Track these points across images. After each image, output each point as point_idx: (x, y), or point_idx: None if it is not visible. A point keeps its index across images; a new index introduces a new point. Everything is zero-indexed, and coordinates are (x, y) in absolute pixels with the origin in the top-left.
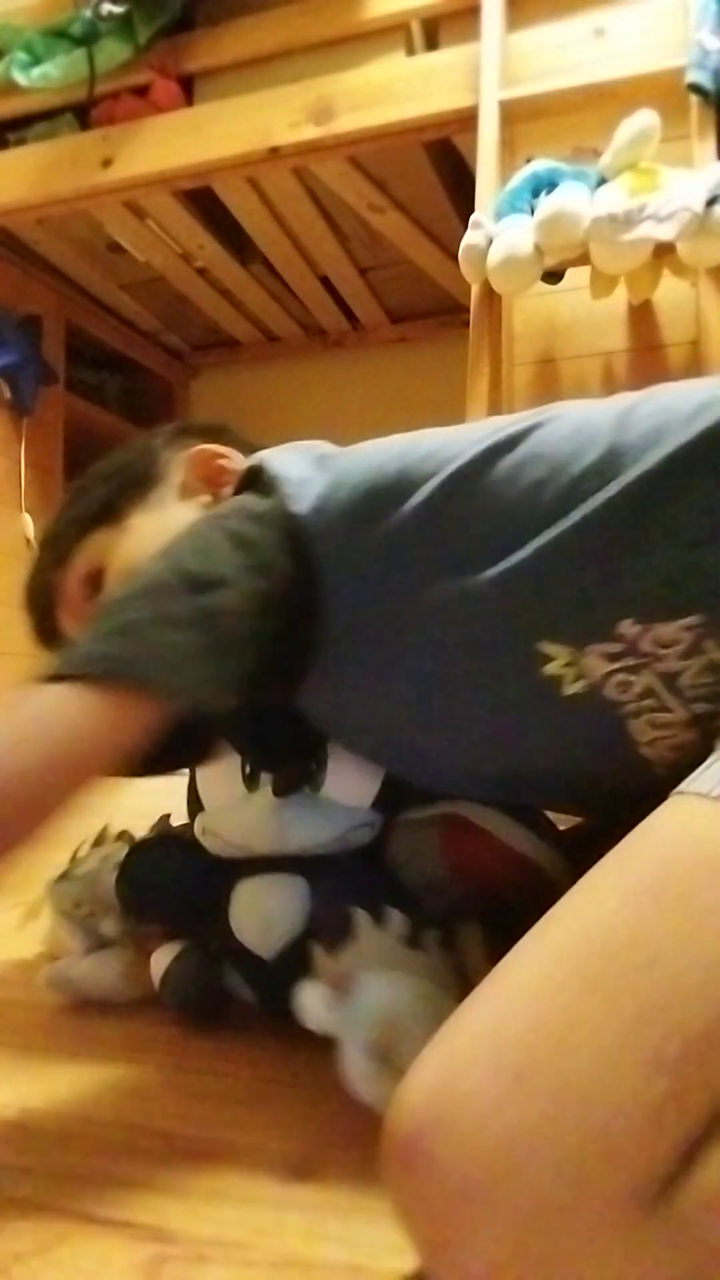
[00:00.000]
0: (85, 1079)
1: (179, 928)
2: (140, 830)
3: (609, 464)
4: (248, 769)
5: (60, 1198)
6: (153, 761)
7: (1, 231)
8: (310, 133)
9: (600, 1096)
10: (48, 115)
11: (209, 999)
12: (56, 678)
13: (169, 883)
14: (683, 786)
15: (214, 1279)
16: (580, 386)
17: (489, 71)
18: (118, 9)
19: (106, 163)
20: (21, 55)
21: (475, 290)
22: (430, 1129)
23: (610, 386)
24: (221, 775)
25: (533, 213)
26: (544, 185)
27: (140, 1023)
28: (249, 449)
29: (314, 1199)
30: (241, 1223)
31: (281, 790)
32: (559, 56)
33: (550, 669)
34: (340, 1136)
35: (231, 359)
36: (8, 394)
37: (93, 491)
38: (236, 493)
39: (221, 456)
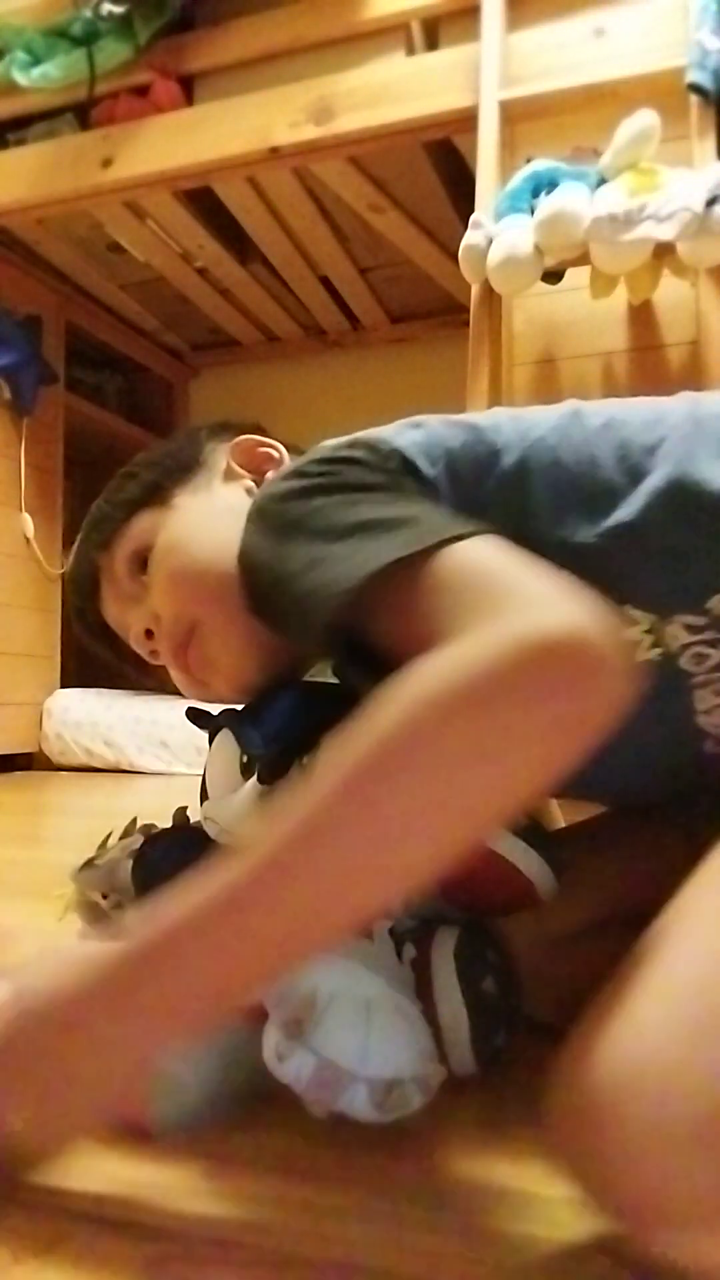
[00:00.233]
0: None
1: None
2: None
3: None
4: (244, 757)
5: (60, 1198)
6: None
7: (1, 231)
8: (310, 133)
9: None
10: (48, 115)
11: None
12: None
13: (177, 870)
14: None
15: (214, 1279)
16: (580, 386)
17: (489, 71)
18: (118, 9)
19: (106, 163)
20: (21, 55)
21: (475, 290)
22: (623, 1087)
23: (610, 386)
24: (224, 763)
25: (533, 213)
26: (544, 185)
27: None
28: (287, 447)
29: (314, 1199)
30: (241, 1223)
31: (266, 777)
32: (559, 56)
33: (627, 634)
34: (341, 1136)
35: (231, 359)
36: (8, 394)
37: (139, 476)
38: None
39: (265, 445)
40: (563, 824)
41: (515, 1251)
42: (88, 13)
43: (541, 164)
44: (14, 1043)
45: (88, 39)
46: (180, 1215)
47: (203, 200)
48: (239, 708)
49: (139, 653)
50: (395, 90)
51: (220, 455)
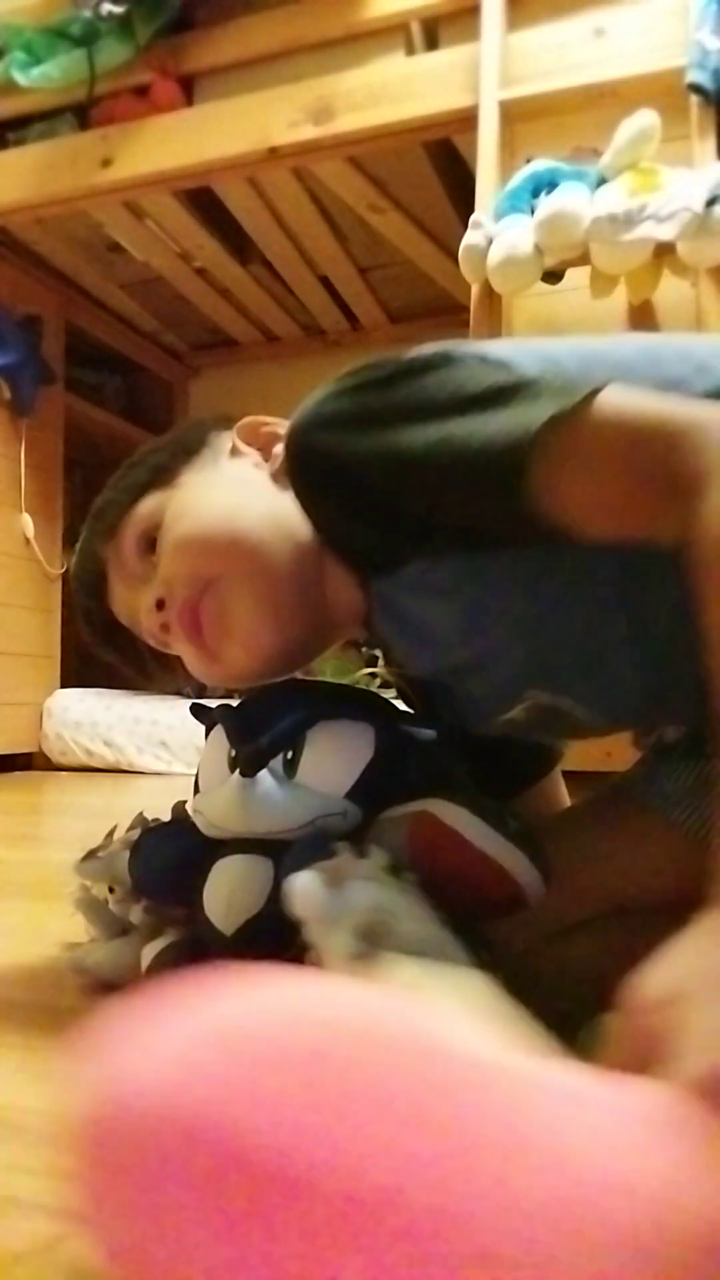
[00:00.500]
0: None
1: (180, 905)
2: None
3: None
4: (232, 752)
5: (60, 1198)
6: None
7: (1, 231)
8: (310, 133)
9: None
10: (48, 115)
11: None
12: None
13: (169, 862)
14: None
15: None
16: None
17: (489, 71)
18: (118, 9)
19: (106, 163)
20: (21, 55)
21: (475, 290)
22: None
23: None
24: (216, 757)
25: (533, 213)
26: (544, 185)
27: None
28: None
29: None
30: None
31: (246, 769)
32: (559, 56)
33: None
34: None
35: (231, 359)
36: (8, 394)
37: (144, 462)
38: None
39: (269, 423)
40: (567, 804)
41: None
42: (87, 13)
43: (541, 164)
44: None
45: (87, 39)
46: None
47: (202, 200)
48: (234, 703)
49: (148, 639)
50: (395, 90)
51: (225, 438)
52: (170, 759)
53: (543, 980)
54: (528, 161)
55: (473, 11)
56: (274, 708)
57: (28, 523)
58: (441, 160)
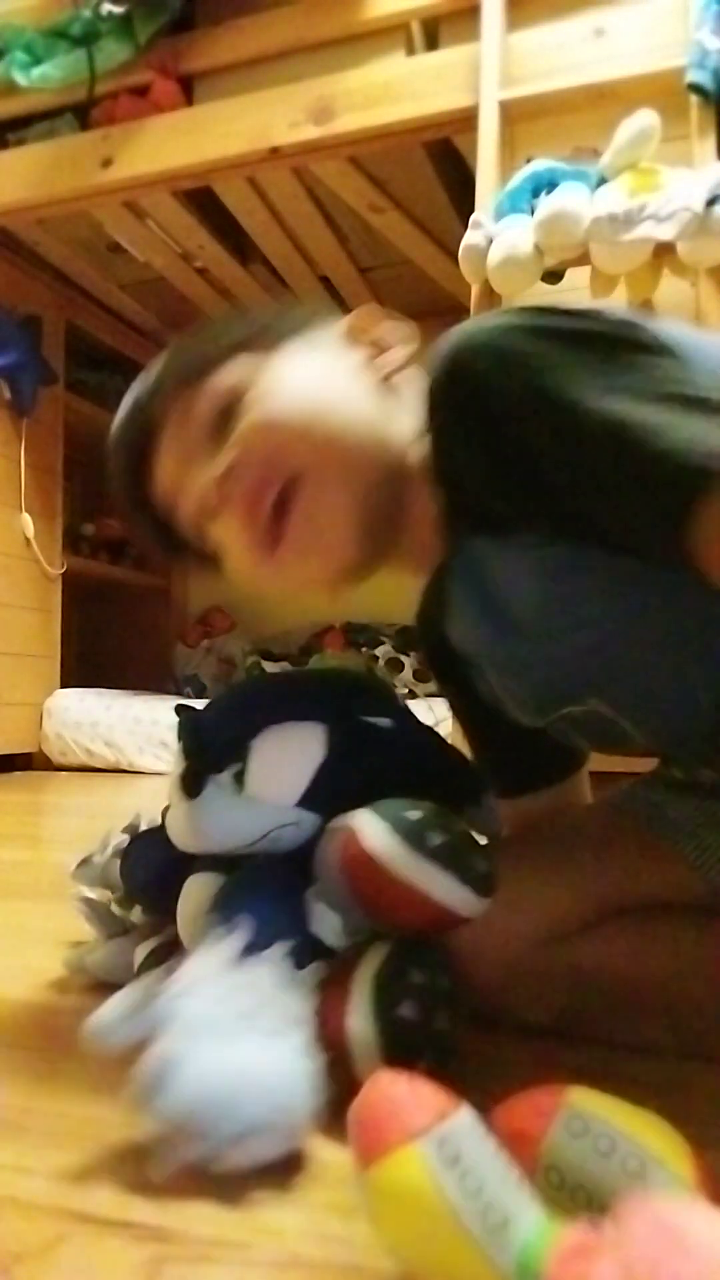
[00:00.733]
0: (85, 1079)
1: (167, 913)
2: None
3: None
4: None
5: (60, 1198)
6: None
7: (1, 231)
8: (310, 133)
9: None
10: (48, 115)
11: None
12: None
13: (152, 872)
14: None
15: (214, 1279)
16: None
17: (489, 71)
18: (118, 9)
19: (106, 163)
20: (21, 55)
21: (475, 290)
22: None
23: None
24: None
25: (533, 213)
26: (544, 185)
27: None
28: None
29: (314, 1199)
30: (241, 1223)
31: (188, 791)
32: (559, 56)
33: None
34: (341, 1136)
35: None
36: (8, 394)
37: (246, 318)
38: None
39: (393, 318)
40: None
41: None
42: (88, 13)
43: (541, 164)
44: None
45: (88, 39)
46: (180, 1215)
47: (203, 200)
48: (196, 707)
49: (186, 521)
50: (395, 90)
51: (338, 323)
52: (170, 759)
53: (548, 982)
54: (528, 161)
55: (473, 11)
56: (227, 715)
57: (28, 523)
58: (441, 160)
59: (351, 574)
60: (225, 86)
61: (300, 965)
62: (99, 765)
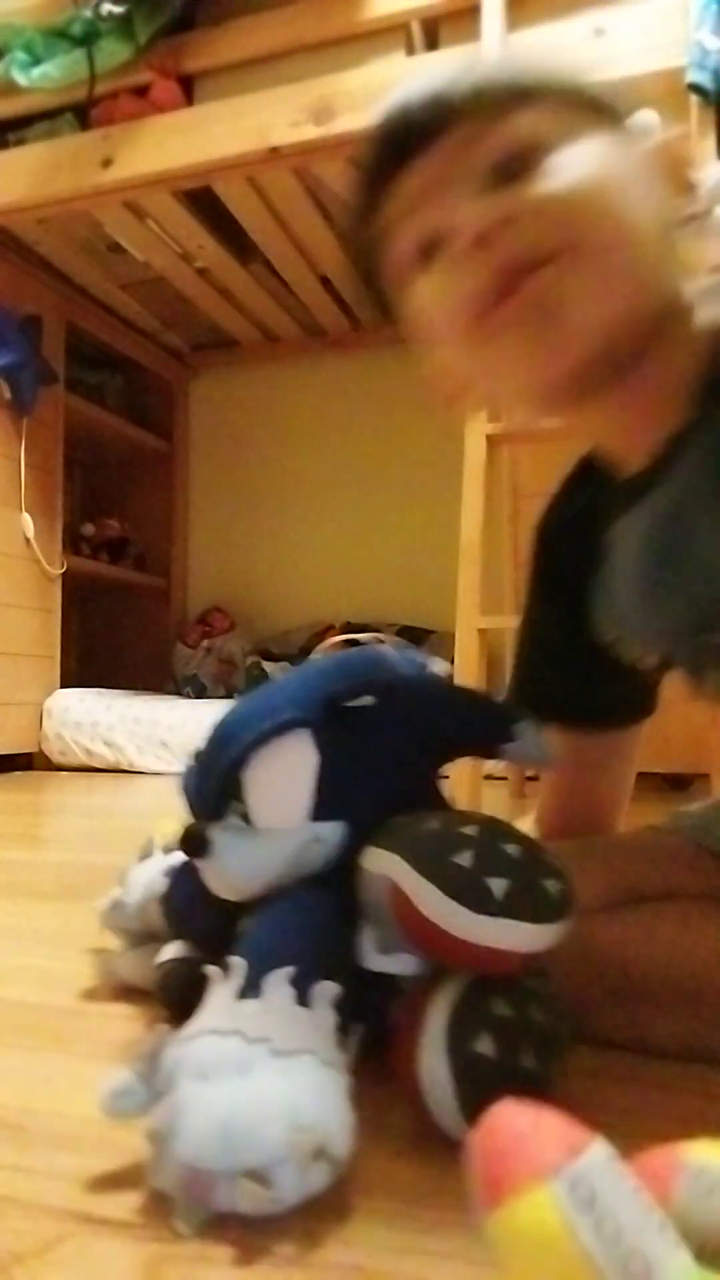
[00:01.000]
0: (86, 1079)
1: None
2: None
3: None
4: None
5: (60, 1198)
6: None
7: (1, 231)
8: (310, 133)
9: None
10: (48, 115)
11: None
12: None
13: (212, 923)
14: None
15: (214, 1279)
16: None
17: None
18: (118, 9)
19: (106, 163)
20: (21, 55)
21: None
22: None
23: None
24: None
25: None
26: None
27: (142, 1024)
28: None
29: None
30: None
31: (195, 853)
32: (559, 56)
33: None
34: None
35: (231, 359)
36: (8, 394)
37: (584, 76)
38: None
39: (691, 167)
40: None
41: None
42: (88, 13)
43: None
44: None
45: (88, 39)
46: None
47: (203, 200)
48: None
49: (400, 252)
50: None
51: (657, 136)
52: (170, 759)
53: (565, 963)
54: None
55: (473, 11)
56: (210, 759)
57: (28, 523)
58: None
59: (555, 388)
60: (225, 86)
61: (317, 980)
62: (99, 765)
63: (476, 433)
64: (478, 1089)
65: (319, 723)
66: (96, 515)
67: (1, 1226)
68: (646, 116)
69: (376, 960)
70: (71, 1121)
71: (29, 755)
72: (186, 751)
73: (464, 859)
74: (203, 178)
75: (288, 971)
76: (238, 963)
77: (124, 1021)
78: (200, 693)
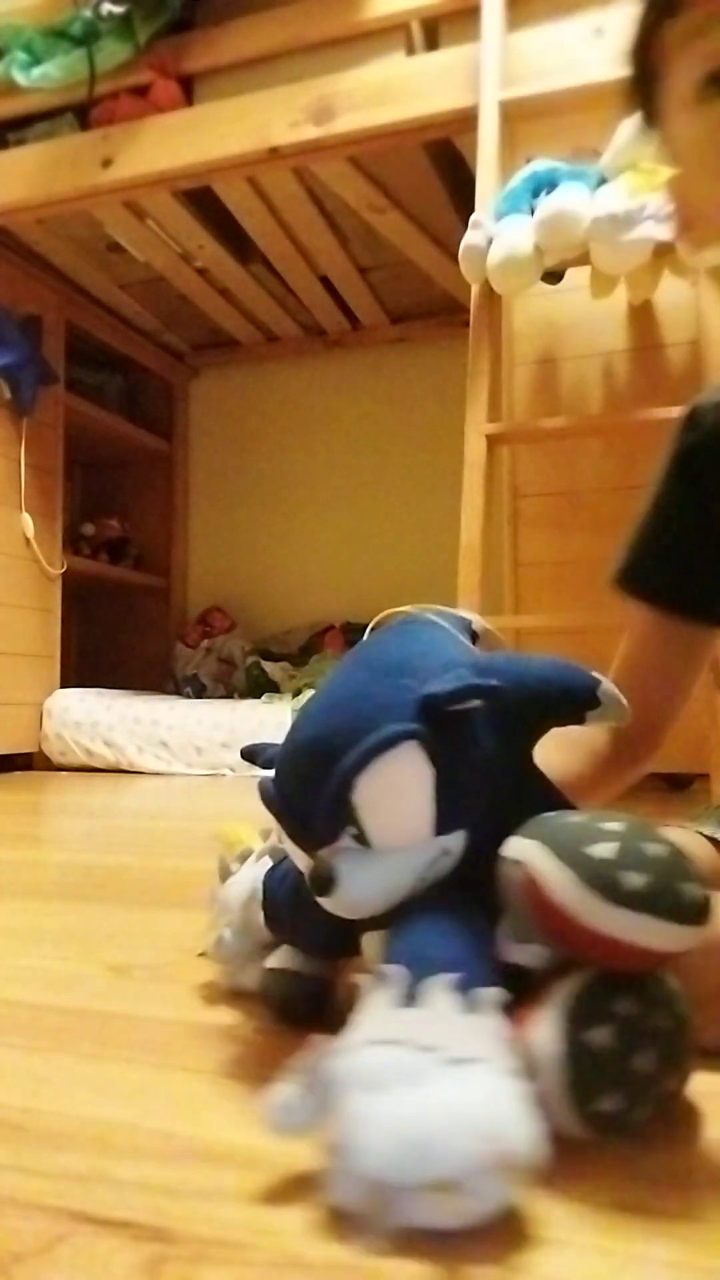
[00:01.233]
0: (86, 1079)
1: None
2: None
3: None
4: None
5: (60, 1198)
6: None
7: (1, 231)
8: (310, 133)
9: None
10: (48, 115)
11: (302, 1004)
12: None
13: (334, 938)
14: None
15: (214, 1279)
16: (580, 386)
17: (489, 71)
18: (118, 9)
19: (106, 163)
20: (21, 55)
21: (475, 290)
22: None
23: (610, 386)
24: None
25: (533, 213)
26: (544, 185)
27: (142, 1024)
28: None
29: (314, 1199)
30: (241, 1223)
31: (323, 891)
32: (559, 56)
33: None
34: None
35: (231, 359)
36: (8, 394)
37: None
38: None
39: None
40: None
41: (518, 1251)
42: (88, 13)
43: (541, 164)
44: None
45: (88, 39)
46: (180, 1215)
47: (203, 200)
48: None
49: (688, 71)
50: (395, 90)
51: None
52: (170, 759)
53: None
54: (528, 161)
55: (473, 11)
56: (307, 784)
57: (28, 523)
58: (441, 160)
59: None
60: (225, 86)
61: (480, 986)
62: (99, 765)
63: (476, 433)
64: (589, 1078)
65: (426, 733)
66: (96, 515)
67: (1, 1226)
68: None
69: (510, 950)
70: (71, 1121)
71: (29, 755)
72: (186, 750)
73: (604, 850)
74: (203, 178)
75: (449, 978)
76: (395, 971)
77: (124, 1021)
78: (200, 693)
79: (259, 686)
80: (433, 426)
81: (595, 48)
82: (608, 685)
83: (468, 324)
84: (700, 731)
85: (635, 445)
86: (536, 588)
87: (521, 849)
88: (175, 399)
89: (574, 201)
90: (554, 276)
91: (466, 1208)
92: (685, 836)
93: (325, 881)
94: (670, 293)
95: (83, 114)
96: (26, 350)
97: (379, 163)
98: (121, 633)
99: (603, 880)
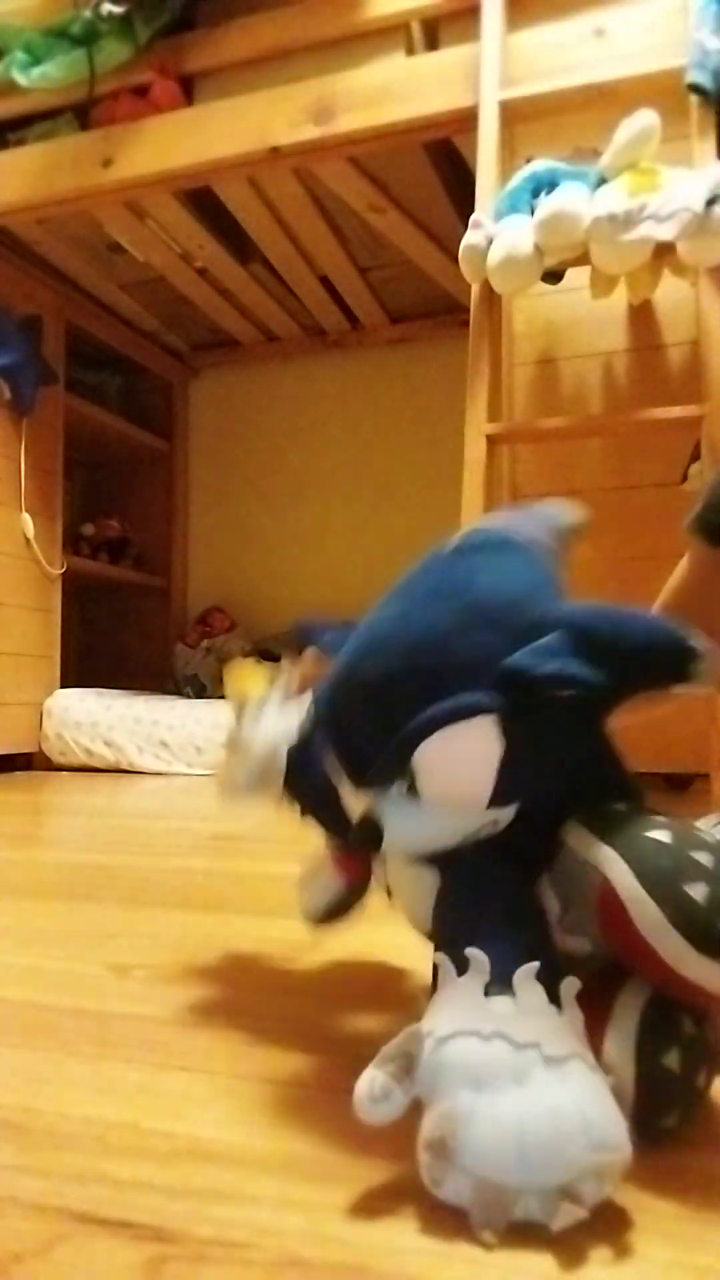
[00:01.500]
0: (86, 1079)
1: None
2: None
3: None
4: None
5: (60, 1198)
6: None
7: (1, 231)
8: (310, 133)
9: None
10: (48, 115)
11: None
12: None
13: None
14: None
15: (214, 1279)
16: (580, 386)
17: (489, 71)
18: (118, 9)
19: (106, 163)
20: (21, 55)
21: (475, 290)
22: None
23: (610, 386)
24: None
25: (533, 213)
26: (544, 185)
27: (142, 1024)
28: None
29: (314, 1199)
30: (241, 1223)
31: (364, 844)
32: (559, 56)
33: None
34: (341, 1137)
35: (231, 359)
36: (8, 394)
37: None
38: None
39: None
40: None
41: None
42: (88, 13)
43: (541, 164)
44: None
45: (88, 39)
46: (180, 1215)
47: (203, 200)
48: (325, 710)
49: None
50: (395, 90)
51: None
52: (170, 759)
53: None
54: (528, 161)
55: (473, 11)
56: (371, 720)
57: (28, 523)
58: (441, 160)
59: None
60: (225, 86)
61: (554, 981)
62: (99, 765)
63: (476, 432)
64: (659, 1100)
65: (504, 709)
66: (96, 515)
67: (1, 1226)
68: (646, 116)
69: (562, 938)
70: (71, 1121)
71: (29, 755)
72: (186, 750)
73: (697, 891)
74: (203, 178)
75: (533, 968)
76: (478, 956)
77: (124, 1021)
78: (200, 692)
79: None
80: (433, 426)
81: (595, 48)
82: (710, 659)
83: (468, 324)
84: (700, 731)
85: (635, 445)
86: None
87: (606, 861)
88: (175, 399)
89: (574, 201)
90: (554, 276)
91: (570, 1209)
92: None
93: (370, 838)
94: (670, 293)
95: (83, 114)
96: (26, 350)
97: (379, 163)
98: (121, 633)
99: (695, 928)
